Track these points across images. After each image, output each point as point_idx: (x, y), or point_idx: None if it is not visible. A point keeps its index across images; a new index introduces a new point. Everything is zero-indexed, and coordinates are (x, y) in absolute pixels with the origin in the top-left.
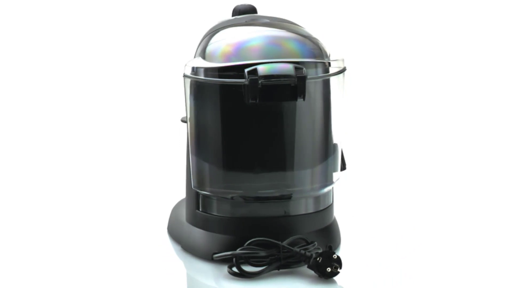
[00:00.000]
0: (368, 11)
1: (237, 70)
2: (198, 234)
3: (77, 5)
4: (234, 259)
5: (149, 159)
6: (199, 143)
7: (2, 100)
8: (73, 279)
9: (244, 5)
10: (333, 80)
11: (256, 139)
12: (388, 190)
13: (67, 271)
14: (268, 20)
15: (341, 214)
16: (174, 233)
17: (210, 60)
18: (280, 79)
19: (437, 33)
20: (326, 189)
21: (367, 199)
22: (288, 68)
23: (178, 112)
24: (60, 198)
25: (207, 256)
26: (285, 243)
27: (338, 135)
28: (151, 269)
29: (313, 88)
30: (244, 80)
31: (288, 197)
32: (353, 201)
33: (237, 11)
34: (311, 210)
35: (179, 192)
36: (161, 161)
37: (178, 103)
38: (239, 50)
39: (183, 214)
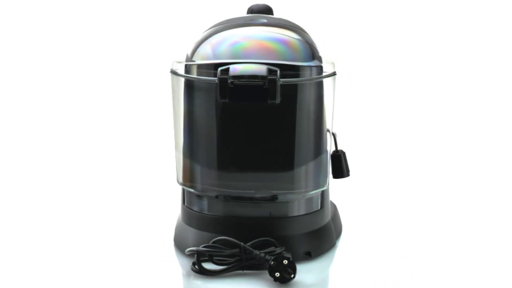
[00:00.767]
0: (380, 15)
1: (214, 69)
2: (182, 228)
3: (74, 5)
4: (195, 255)
5: (149, 158)
6: (179, 139)
7: None
8: (72, 278)
9: (259, 5)
10: (318, 84)
11: (231, 138)
12: (388, 190)
13: (67, 271)
14: (265, 21)
15: (341, 214)
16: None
17: (195, 58)
18: (250, 80)
19: (437, 33)
20: (311, 193)
21: (367, 199)
22: (260, 70)
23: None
24: (58, 196)
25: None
26: (248, 244)
27: (324, 140)
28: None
29: (294, 91)
30: (215, 78)
31: (268, 199)
32: (353, 201)
33: (251, 11)
34: (295, 213)
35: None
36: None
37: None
38: (219, 49)
39: None
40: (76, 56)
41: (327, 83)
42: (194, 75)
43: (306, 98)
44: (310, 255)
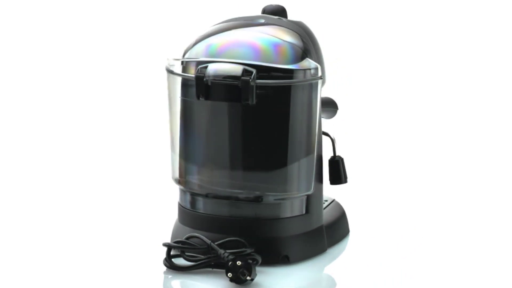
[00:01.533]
0: (380, 15)
1: (197, 66)
2: (176, 226)
3: (72, 4)
4: (166, 249)
5: (149, 156)
6: (169, 135)
7: None
8: (66, 276)
9: (272, 5)
10: (299, 87)
11: (212, 136)
12: (387, 190)
13: (61, 269)
14: (263, 21)
15: None
16: None
17: (187, 55)
18: (225, 79)
19: (437, 33)
20: (293, 197)
21: (367, 200)
22: (235, 70)
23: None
24: (54, 195)
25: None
26: (217, 243)
27: (309, 144)
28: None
29: (272, 93)
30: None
31: (252, 200)
32: (353, 201)
33: (264, 11)
34: (278, 216)
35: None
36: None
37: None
38: (205, 48)
39: None
40: (68, 52)
41: (311, 87)
42: (180, 72)
43: (284, 100)
44: (288, 259)
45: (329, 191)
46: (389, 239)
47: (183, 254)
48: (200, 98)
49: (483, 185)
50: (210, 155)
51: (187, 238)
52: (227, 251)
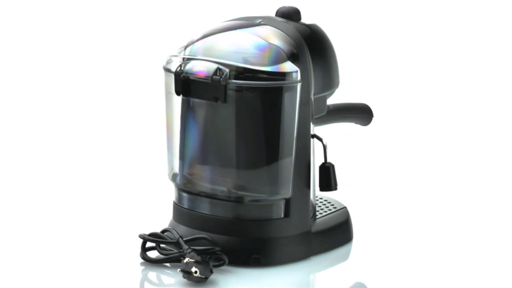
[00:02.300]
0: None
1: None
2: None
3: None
4: (142, 241)
5: (148, 155)
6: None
7: None
8: (62, 276)
9: (286, 7)
10: (273, 90)
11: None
12: (387, 191)
13: (58, 269)
14: (260, 21)
15: None
16: None
17: (183, 53)
18: (198, 77)
19: (437, 34)
20: (268, 200)
21: (367, 200)
22: (208, 68)
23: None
24: (51, 194)
25: None
26: (186, 239)
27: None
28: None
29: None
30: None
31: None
32: (353, 201)
33: (279, 13)
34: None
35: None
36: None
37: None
38: (195, 45)
39: None
40: (66, 51)
41: (286, 90)
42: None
43: (258, 102)
44: (259, 261)
45: (340, 196)
46: (389, 239)
47: (158, 247)
48: (179, 95)
49: (483, 185)
50: (192, 152)
51: (162, 232)
52: (194, 248)
